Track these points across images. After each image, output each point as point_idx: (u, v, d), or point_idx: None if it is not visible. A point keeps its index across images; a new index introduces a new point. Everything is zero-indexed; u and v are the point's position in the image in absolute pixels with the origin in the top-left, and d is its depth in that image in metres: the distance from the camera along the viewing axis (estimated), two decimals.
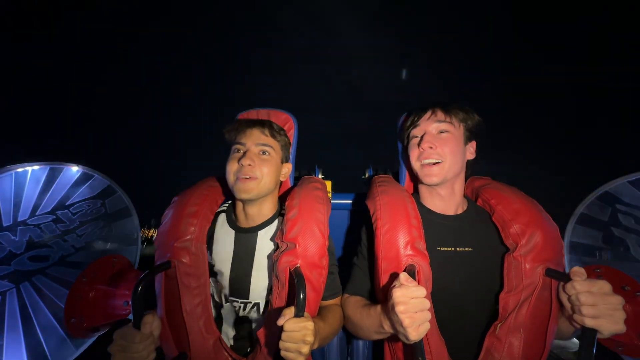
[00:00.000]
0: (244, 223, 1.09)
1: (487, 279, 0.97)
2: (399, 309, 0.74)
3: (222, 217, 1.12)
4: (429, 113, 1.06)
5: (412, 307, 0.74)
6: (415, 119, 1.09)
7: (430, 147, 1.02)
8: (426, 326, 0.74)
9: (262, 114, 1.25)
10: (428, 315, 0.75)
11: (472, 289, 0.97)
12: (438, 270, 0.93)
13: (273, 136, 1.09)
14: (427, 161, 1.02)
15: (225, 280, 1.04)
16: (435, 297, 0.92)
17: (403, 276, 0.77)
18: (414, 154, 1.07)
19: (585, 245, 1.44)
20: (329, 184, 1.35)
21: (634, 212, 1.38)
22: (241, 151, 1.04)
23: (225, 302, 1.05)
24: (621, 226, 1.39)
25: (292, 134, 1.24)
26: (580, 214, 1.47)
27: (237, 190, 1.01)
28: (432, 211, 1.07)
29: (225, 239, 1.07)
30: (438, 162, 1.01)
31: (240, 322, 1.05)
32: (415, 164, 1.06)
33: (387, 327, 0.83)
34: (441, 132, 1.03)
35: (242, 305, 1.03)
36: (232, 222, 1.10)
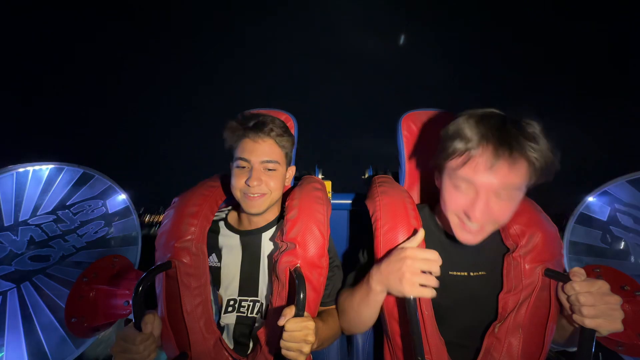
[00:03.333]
0: (247, 227, 1.11)
1: (494, 290, 0.95)
2: (407, 262, 0.73)
3: (222, 225, 1.13)
4: (493, 170, 0.76)
5: (421, 265, 0.74)
6: (467, 168, 0.79)
7: (485, 215, 0.80)
8: (429, 291, 0.74)
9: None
10: (433, 280, 0.74)
11: (481, 306, 0.95)
12: (449, 294, 0.92)
13: (279, 144, 1.05)
14: (470, 225, 0.83)
15: (236, 280, 1.05)
16: (448, 314, 0.92)
17: (421, 233, 0.80)
18: (454, 204, 0.84)
19: (584, 245, 1.44)
20: (328, 184, 1.35)
21: (633, 211, 1.38)
22: (246, 168, 1.01)
23: (226, 311, 1.05)
24: (620, 225, 1.40)
25: (293, 135, 1.24)
26: (580, 213, 1.48)
27: (246, 207, 1.02)
28: (448, 235, 0.99)
29: (232, 245, 1.09)
30: (478, 227, 0.83)
31: (242, 323, 1.05)
32: (451, 216, 0.87)
33: (375, 283, 0.83)
34: (503, 190, 0.78)
35: (251, 304, 1.04)
36: (234, 228, 1.11)
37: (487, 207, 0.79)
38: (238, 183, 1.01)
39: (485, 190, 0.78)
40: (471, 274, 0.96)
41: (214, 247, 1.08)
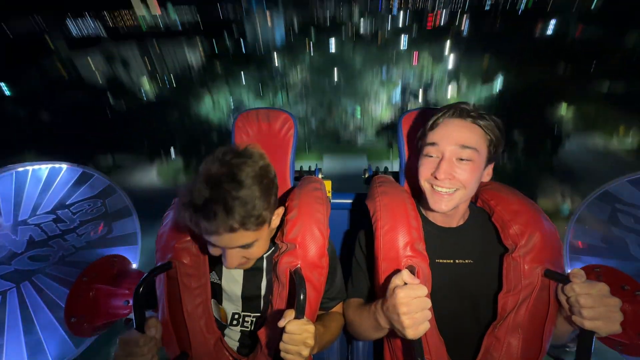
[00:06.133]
0: None
1: (487, 287, 0.96)
2: (402, 310, 0.74)
3: None
4: (451, 131, 0.91)
5: (415, 307, 0.74)
6: (438, 127, 0.93)
7: (447, 178, 0.90)
8: (426, 326, 0.75)
9: (261, 113, 1.26)
10: (428, 314, 0.75)
11: (471, 298, 0.97)
12: (436, 282, 0.93)
13: (255, 219, 0.79)
14: (440, 189, 0.92)
15: (237, 297, 1.03)
16: (434, 304, 0.92)
17: (406, 273, 0.78)
18: (424, 172, 0.95)
19: (585, 244, 1.44)
20: (328, 183, 1.35)
21: (633, 211, 1.38)
22: (220, 249, 0.86)
23: (231, 324, 1.04)
24: (621, 225, 1.39)
25: (292, 134, 1.25)
26: (580, 212, 1.47)
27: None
28: (431, 222, 1.04)
29: None
30: (450, 192, 0.92)
31: (246, 336, 1.06)
32: (424, 184, 0.96)
33: (383, 323, 0.83)
34: (462, 160, 0.91)
35: (254, 319, 1.04)
36: None
37: (451, 166, 0.90)
38: (215, 252, 0.88)
39: (448, 148, 0.90)
40: (457, 261, 0.99)
41: (215, 264, 1.04)
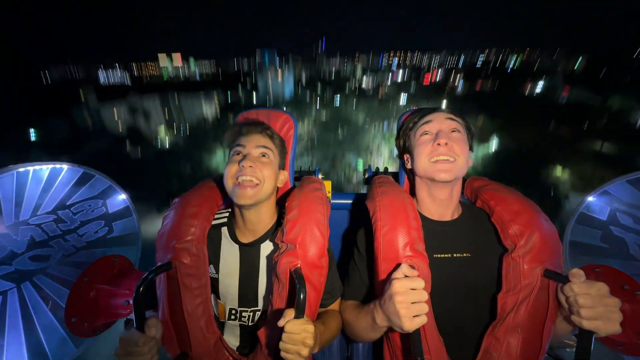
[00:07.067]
0: (246, 237, 1.07)
1: (485, 281, 0.97)
2: (397, 299, 0.75)
3: (225, 232, 1.10)
4: (438, 111, 1.08)
5: (410, 297, 0.75)
6: (426, 115, 1.07)
7: (446, 144, 0.99)
8: (422, 319, 0.75)
9: (262, 114, 1.26)
10: (425, 307, 0.76)
11: (470, 293, 0.97)
12: (435, 277, 0.93)
13: (272, 139, 1.08)
14: (442, 157, 0.99)
15: (234, 292, 1.04)
16: (434, 301, 0.93)
17: (405, 267, 0.79)
18: (424, 150, 1.02)
19: (584, 244, 1.44)
20: (328, 183, 1.35)
21: (632, 211, 1.38)
22: (241, 154, 1.02)
23: (229, 318, 1.05)
24: (620, 225, 1.40)
25: (292, 135, 1.25)
26: (580, 213, 1.48)
27: (237, 196, 0.98)
28: (427, 218, 1.05)
29: (230, 253, 1.07)
30: (451, 161, 0.98)
31: (246, 332, 1.06)
32: (425, 162, 1.02)
33: (380, 321, 0.84)
34: (453, 131, 1.02)
35: (251, 314, 1.05)
36: (235, 237, 1.08)
37: (448, 134, 1.01)
38: (231, 169, 1.00)
39: (441, 124, 1.03)
40: (455, 255, 1.00)
41: (213, 258, 1.06)
